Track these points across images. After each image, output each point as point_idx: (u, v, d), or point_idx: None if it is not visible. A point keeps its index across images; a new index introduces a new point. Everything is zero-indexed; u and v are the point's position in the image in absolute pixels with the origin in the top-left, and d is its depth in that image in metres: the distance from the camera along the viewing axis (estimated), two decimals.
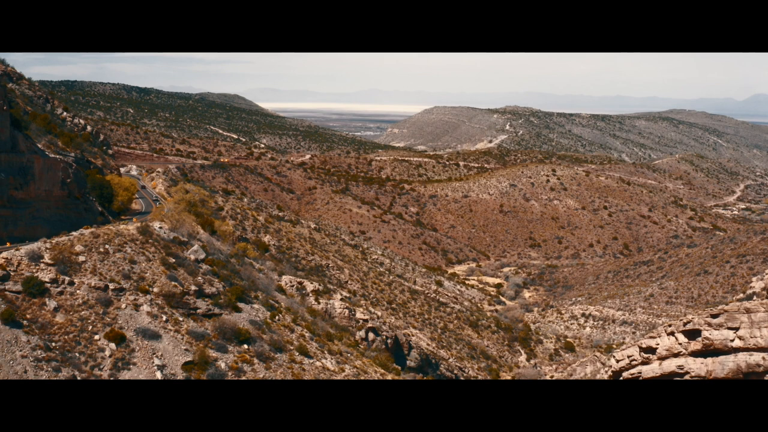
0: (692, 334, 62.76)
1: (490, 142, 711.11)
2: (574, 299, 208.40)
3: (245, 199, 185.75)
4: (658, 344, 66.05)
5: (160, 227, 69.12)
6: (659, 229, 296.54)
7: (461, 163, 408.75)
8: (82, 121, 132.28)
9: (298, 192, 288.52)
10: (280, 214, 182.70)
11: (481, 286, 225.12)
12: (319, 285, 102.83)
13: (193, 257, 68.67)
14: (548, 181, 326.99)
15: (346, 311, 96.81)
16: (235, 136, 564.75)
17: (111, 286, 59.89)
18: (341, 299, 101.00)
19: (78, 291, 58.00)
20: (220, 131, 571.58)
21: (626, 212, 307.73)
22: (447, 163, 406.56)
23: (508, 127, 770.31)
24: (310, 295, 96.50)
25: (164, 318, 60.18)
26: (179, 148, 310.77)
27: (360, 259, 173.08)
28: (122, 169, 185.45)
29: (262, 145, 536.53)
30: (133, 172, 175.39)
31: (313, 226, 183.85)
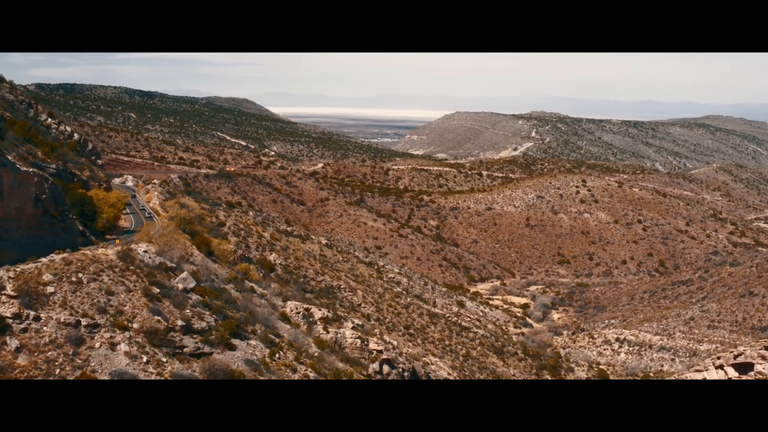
0: (744, 368, 57.70)
1: (515, 150, 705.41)
2: (607, 322, 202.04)
3: (250, 213, 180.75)
4: (705, 378, 61.30)
5: (145, 251, 63.51)
6: (697, 244, 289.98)
7: (484, 173, 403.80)
8: (68, 129, 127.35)
9: (309, 204, 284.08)
10: (288, 228, 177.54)
11: (506, 306, 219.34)
12: (329, 311, 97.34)
13: (181, 286, 63.09)
14: (578, 192, 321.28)
15: (358, 341, 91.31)
16: (244, 143, 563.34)
17: (84, 321, 54.35)
18: (352, 328, 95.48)
19: (45, 328, 52.57)
20: (228, 138, 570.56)
21: (662, 226, 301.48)
22: (469, 172, 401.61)
23: (534, 134, 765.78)
24: (318, 323, 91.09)
25: (145, 359, 54.61)
26: (182, 156, 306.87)
27: (375, 279, 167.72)
28: (117, 180, 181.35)
29: (272, 153, 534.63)
30: (129, 183, 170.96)
31: (324, 241, 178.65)
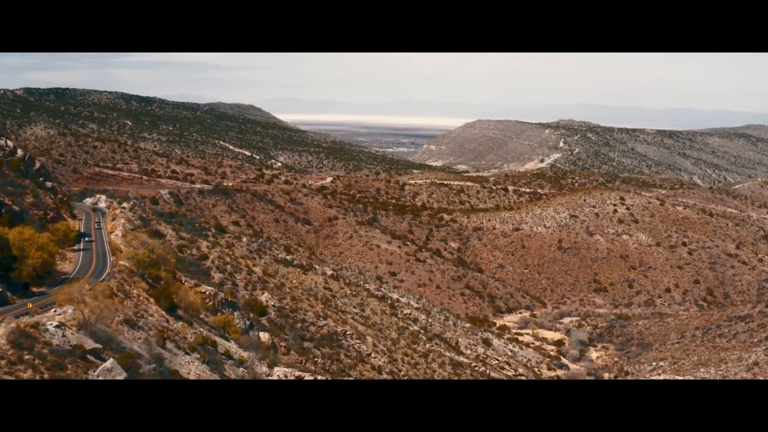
0: None
1: (542, 161, 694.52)
2: (654, 364, 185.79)
3: (244, 239, 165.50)
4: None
5: (59, 325, 47.42)
6: (749, 270, 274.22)
7: (510, 188, 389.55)
8: (10, 144, 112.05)
9: (315, 223, 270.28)
10: (288, 257, 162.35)
11: (537, 343, 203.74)
12: (327, 377, 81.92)
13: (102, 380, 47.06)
14: (615, 211, 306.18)
15: None
16: (248, 153, 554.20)
17: None
18: None
19: None
20: (231, 147, 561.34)
21: (709, 249, 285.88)
22: (494, 187, 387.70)
23: (562, 144, 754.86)
24: None
25: None
26: (175, 169, 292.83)
27: (388, 316, 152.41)
28: (89, 200, 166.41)
29: (279, 164, 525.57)
30: (102, 204, 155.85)
31: (329, 272, 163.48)
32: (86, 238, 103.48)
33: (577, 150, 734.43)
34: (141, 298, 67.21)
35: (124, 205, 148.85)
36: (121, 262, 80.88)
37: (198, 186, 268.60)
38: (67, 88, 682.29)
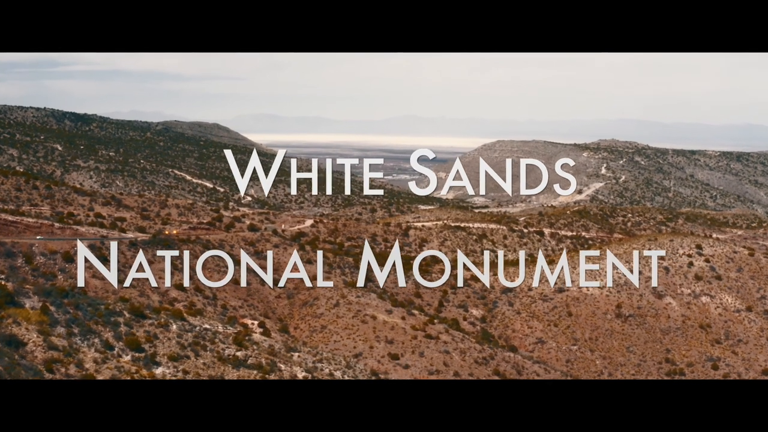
0: None
1: (580, 192, 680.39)
2: None
3: (173, 327, 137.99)
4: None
5: None
6: None
7: (546, 231, 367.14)
8: None
9: (290, 285, 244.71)
10: (239, 354, 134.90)
11: None
12: None
13: None
14: (691, 264, 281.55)
15: None
16: (209, 185, 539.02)
17: None
18: None
19: None
20: (188, 177, 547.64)
21: None
22: (525, 230, 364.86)
23: (604, 170, 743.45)
24: None
25: None
26: (100, 212, 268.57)
27: None
28: None
29: (248, 198, 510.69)
30: None
31: (301, 374, 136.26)
32: None
33: (623, 178, 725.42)
34: None
35: None
36: None
37: (130, 235, 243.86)
38: None
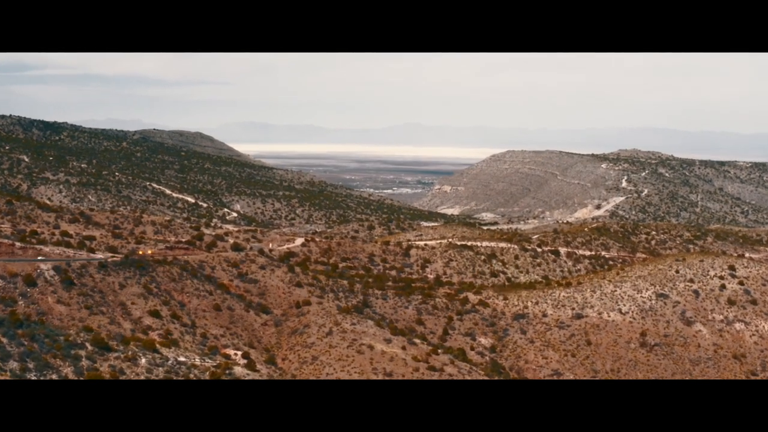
0: None
1: (598, 207, 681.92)
2: None
3: (142, 360, 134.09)
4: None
5: None
6: None
7: (562, 250, 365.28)
8: None
9: (277, 311, 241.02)
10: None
11: None
12: None
13: None
14: (723, 287, 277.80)
15: None
16: (191, 200, 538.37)
17: None
18: None
19: None
20: (167, 191, 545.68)
21: None
22: (539, 250, 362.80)
23: (624, 183, 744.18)
24: None
25: None
26: (67, 230, 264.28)
27: None
28: None
29: (234, 214, 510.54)
30: None
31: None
32: None
33: (645, 191, 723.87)
34: None
35: None
36: None
37: (100, 256, 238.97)
38: None
